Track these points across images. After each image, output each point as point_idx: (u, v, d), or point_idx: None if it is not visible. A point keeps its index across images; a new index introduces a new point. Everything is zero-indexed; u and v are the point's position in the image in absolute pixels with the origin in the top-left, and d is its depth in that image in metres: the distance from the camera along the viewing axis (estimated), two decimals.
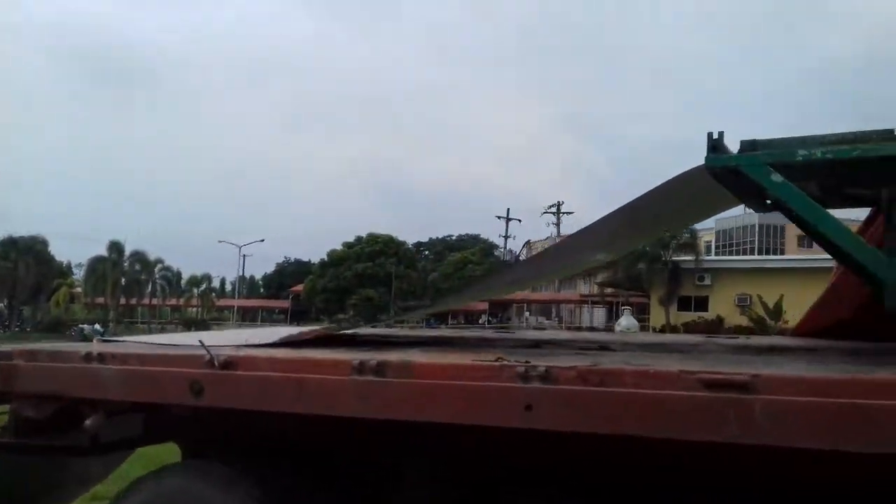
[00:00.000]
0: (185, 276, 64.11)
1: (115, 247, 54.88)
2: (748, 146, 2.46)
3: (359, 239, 59.93)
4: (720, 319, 37.14)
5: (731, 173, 2.50)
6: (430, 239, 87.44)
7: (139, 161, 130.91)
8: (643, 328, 32.15)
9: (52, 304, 54.45)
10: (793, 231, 57.14)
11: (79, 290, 57.54)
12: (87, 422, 2.69)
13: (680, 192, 2.82)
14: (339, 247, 60.38)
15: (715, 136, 2.46)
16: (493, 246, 71.71)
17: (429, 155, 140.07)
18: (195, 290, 64.06)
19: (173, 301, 63.28)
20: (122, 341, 3.58)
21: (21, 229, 57.76)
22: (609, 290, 47.10)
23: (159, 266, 59.30)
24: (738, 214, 48.13)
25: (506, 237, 64.36)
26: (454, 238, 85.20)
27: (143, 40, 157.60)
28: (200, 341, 2.58)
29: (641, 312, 42.38)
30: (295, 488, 2.75)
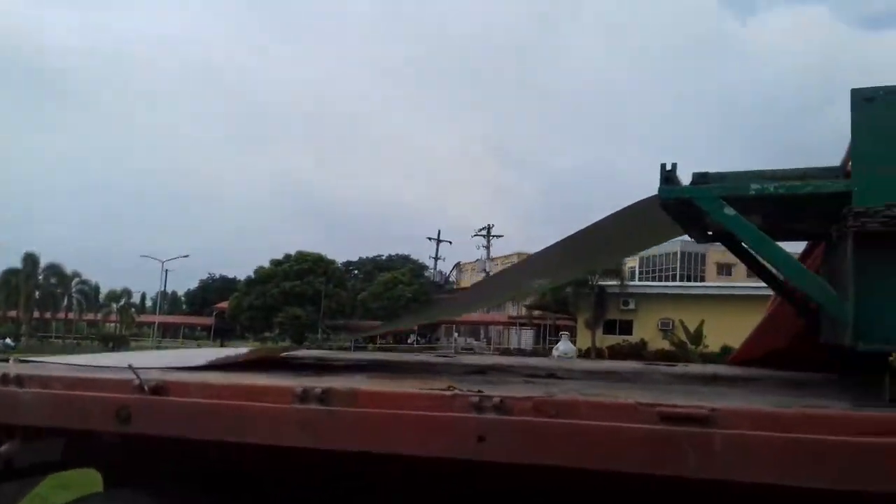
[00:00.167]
0: (105, 290, 61.96)
1: (30, 259, 52.58)
2: (700, 178, 2.47)
3: (287, 257, 58.94)
4: (644, 343, 37.96)
5: (682, 205, 2.51)
6: (360, 258, 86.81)
7: (60, 173, 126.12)
8: None
9: None
10: (713, 259, 59.30)
11: None
12: (2, 448, 2.50)
13: (630, 222, 2.83)
14: (266, 264, 59.26)
15: (668, 167, 2.47)
16: (424, 267, 71.71)
17: (360, 175, 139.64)
18: (114, 306, 61.82)
19: (90, 316, 60.92)
20: (41, 362, 3.35)
21: None
22: (537, 313, 47.66)
23: (76, 280, 57.10)
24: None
25: (436, 258, 64.60)
26: (384, 258, 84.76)
27: (62, 47, 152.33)
28: (130, 365, 2.43)
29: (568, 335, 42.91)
30: None
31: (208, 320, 68.05)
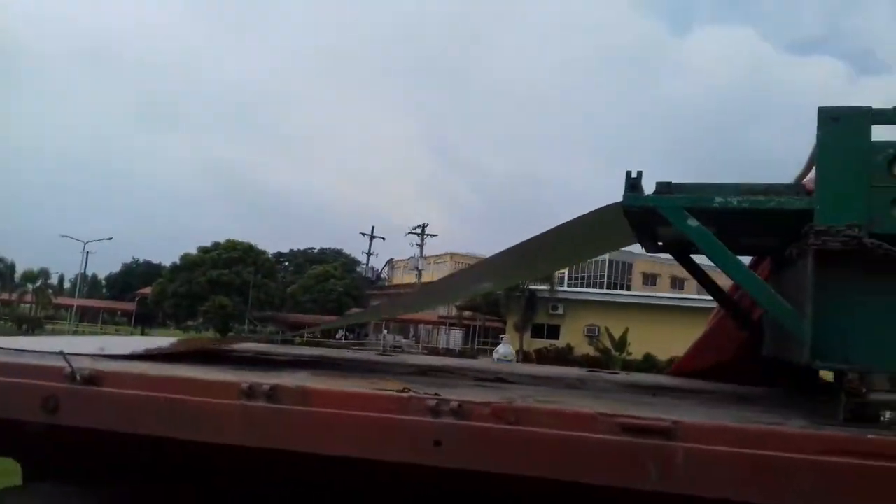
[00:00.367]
0: (21, 269, 59.28)
1: None
2: (663, 188, 2.46)
3: (216, 245, 57.51)
4: (570, 348, 38.55)
5: (645, 213, 2.49)
6: (291, 250, 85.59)
7: None
8: None
9: None
10: (639, 269, 60.79)
11: None
12: None
13: (590, 228, 2.81)
14: (194, 252, 57.71)
15: (634, 174, 2.45)
16: (356, 262, 71.15)
17: (295, 167, 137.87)
18: (29, 286, 59.17)
19: (5, 296, 58.19)
20: None
21: None
22: (467, 314, 47.87)
23: None
24: None
25: (369, 254, 64.00)
26: (316, 251, 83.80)
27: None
28: (62, 351, 2.27)
29: (497, 337, 43.30)
30: None
31: (130, 306, 65.90)
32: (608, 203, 2.60)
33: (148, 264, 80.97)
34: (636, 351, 31.63)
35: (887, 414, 1.91)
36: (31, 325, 47.42)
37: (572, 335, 40.00)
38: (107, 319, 65.03)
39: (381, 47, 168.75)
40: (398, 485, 2.15)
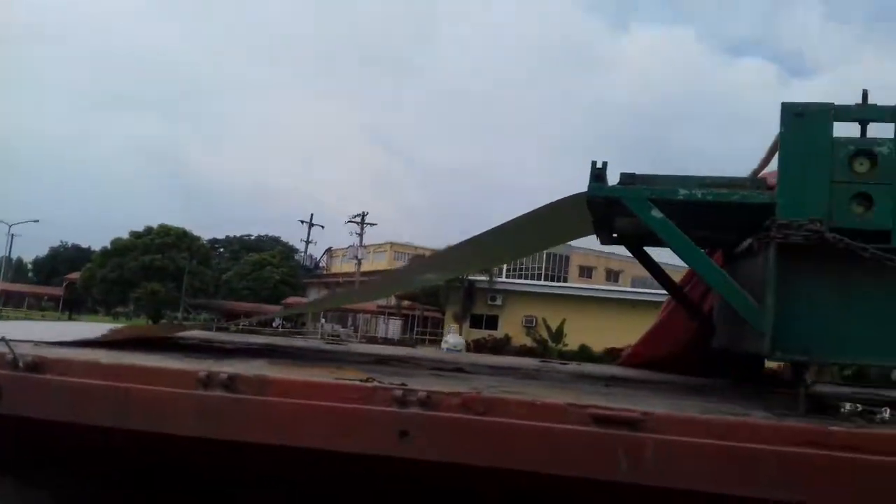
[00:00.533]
0: None
1: None
2: (628, 179, 2.46)
3: (149, 229, 55.90)
4: (508, 338, 38.86)
5: (609, 204, 2.49)
6: (227, 237, 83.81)
7: None
8: (437, 343, 32.93)
9: None
10: (575, 262, 61.72)
11: None
12: None
13: (552, 217, 2.80)
14: (125, 236, 55.96)
15: (599, 165, 2.44)
16: (294, 250, 70.12)
17: (231, 153, 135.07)
18: None
19: None
20: None
21: None
22: (406, 303, 47.77)
23: None
24: None
25: (307, 242, 63.17)
26: (252, 238, 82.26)
27: None
28: (3, 337, 2.15)
29: (435, 327, 43.41)
30: None
31: (57, 290, 63.65)
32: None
33: (77, 248, 78.33)
34: (572, 342, 32.10)
35: (846, 406, 1.95)
36: None
37: (510, 326, 40.31)
38: (32, 304, 62.59)
39: (325, 36, 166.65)
40: (366, 478, 2.10)
